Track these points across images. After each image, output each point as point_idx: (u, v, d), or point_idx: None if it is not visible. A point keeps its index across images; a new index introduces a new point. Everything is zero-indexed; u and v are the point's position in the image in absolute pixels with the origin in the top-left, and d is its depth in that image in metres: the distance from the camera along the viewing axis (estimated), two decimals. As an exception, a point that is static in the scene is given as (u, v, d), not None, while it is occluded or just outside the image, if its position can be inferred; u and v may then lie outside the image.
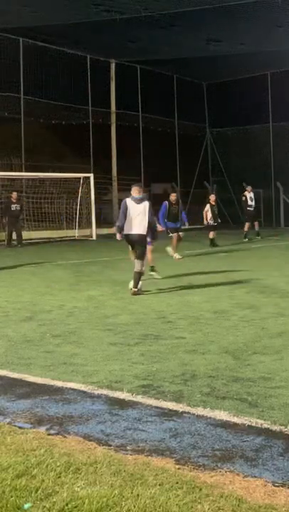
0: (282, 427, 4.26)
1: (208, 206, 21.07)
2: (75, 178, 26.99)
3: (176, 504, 3.17)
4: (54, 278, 13.17)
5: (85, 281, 12.49)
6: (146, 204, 10.85)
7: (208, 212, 20.91)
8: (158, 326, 7.89)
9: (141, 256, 10.82)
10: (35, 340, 7.16)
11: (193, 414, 4.54)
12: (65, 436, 4.15)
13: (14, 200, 22.85)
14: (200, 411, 4.61)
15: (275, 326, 7.70)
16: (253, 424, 4.33)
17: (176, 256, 16.87)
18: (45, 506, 3.18)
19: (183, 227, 17.32)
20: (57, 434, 4.21)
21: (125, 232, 10.78)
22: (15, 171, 26.59)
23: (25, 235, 23.78)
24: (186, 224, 17.44)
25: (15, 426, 4.35)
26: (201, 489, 3.33)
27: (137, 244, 10.84)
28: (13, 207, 22.70)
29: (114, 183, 31.05)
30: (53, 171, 27.16)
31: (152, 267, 12.68)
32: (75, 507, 3.17)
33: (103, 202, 30.98)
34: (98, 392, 5.11)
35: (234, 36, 25.48)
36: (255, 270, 13.98)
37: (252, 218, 24.11)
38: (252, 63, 29.81)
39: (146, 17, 23.06)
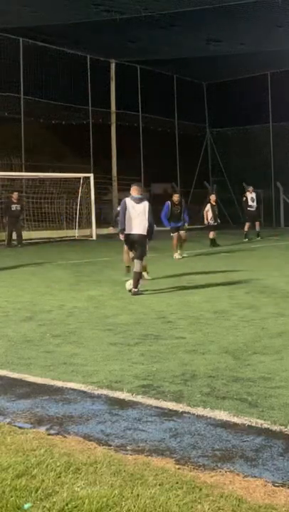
0: (282, 427, 4.26)
1: (208, 206, 21.07)
2: (75, 178, 26.98)
3: (176, 504, 3.18)
4: (54, 278, 13.17)
5: (85, 281, 12.49)
6: (146, 204, 10.84)
7: (208, 212, 20.91)
8: (158, 326, 7.90)
9: (140, 256, 10.81)
10: (35, 340, 7.16)
11: (193, 414, 4.54)
12: (65, 436, 4.16)
13: (15, 201, 22.84)
14: (200, 411, 4.61)
15: (275, 326, 7.70)
16: (253, 424, 4.33)
17: (176, 256, 16.88)
18: (45, 506, 3.18)
19: (182, 227, 17.27)
20: (57, 434, 4.21)
21: (125, 231, 10.77)
22: (15, 171, 26.58)
23: (25, 235, 23.77)
24: (186, 225, 17.41)
25: (15, 426, 4.35)
26: (201, 489, 3.33)
27: (137, 244, 10.83)
28: (14, 207, 22.69)
29: (114, 183, 31.05)
30: (53, 171, 27.15)
31: (128, 267, 12.34)
32: (75, 507, 3.17)
33: (103, 202, 30.98)
34: (98, 392, 5.11)
35: (234, 36, 25.47)
36: (255, 270, 13.98)
37: (252, 218, 24.11)
38: (252, 63, 29.79)
39: (146, 17, 23.05)
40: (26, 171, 27.15)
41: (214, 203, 21.37)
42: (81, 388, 5.24)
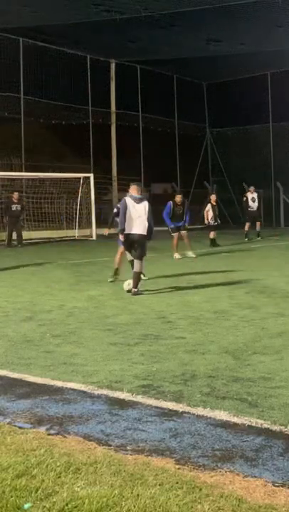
0: (282, 427, 4.26)
1: (209, 206, 21.10)
2: (75, 178, 26.98)
3: (176, 504, 3.18)
4: (54, 278, 13.17)
5: (85, 281, 12.49)
6: (146, 204, 10.82)
7: (209, 212, 20.93)
8: (158, 326, 7.90)
9: (140, 256, 10.79)
10: (35, 340, 7.16)
11: (193, 414, 4.54)
12: (65, 436, 4.16)
13: (15, 201, 22.85)
14: (200, 411, 4.61)
15: (275, 326, 7.70)
16: (253, 424, 4.33)
17: (176, 256, 16.88)
18: (45, 506, 3.18)
19: (182, 228, 17.25)
20: (57, 434, 4.21)
21: (125, 231, 10.74)
22: (15, 171, 26.58)
23: (25, 235, 23.77)
24: (186, 225, 17.40)
25: (15, 426, 4.35)
26: (201, 489, 3.33)
27: (137, 244, 10.81)
28: (14, 207, 22.69)
29: (114, 183, 31.05)
30: (53, 171, 27.16)
31: (116, 269, 12.24)
32: (75, 507, 3.17)
33: (103, 202, 30.98)
34: (98, 392, 5.11)
35: (234, 36, 25.47)
36: (255, 270, 13.98)
37: (253, 218, 24.13)
38: (252, 63, 29.79)
39: (146, 17, 23.05)
40: (26, 171, 27.15)
41: (214, 203, 21.39)
42: (81, 388, 5.23)
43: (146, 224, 10.69)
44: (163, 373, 5.64)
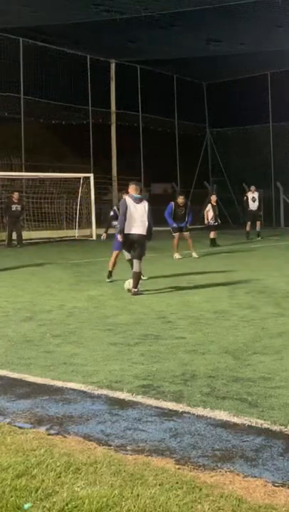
0: (282, 427, 4.26)
1: (209, 206, 21.13)
2: (75, 178, 26.98)
3: (176, 504, 3.18)
4: (54, 278, 13.17)
5: (85, 281, 12.49)
6: (146, 204, 10.81)
7: (209, 212, 20.95)
8: (158, 326, 7.90)
9: (140, 256, 10.78)
10: (35, 340, 7.16)
11: (193, 414, 4.54)
12: (65, 436, 4.16)
13: (15, 201, 22.84)
14: (200, 411, 4.61)
15: (275, 326, 7.70)
16: (253, 424, 4.33)
17: (177, 256, 16.88)
18: (45, 506, 3.18)
19: (184, 228, 17.20)
20: (57, 434, 4.21)
21: (124, 231, 10.71)
22: (15, 171, 26.58)
23: (25, 235, 23.77)
24: (188, 225, 17.38)
25: (15, 426, 4.35)
26: (201, 489, 3.33)
27: (136, 244, 10.79)
28: (14, 207, 22.69)
29: (114, 183, 31.04)
30: (53, 171, 27.15)
31: (110, 272, 12.26)
32: (75, 507, 3.17)
33: (103, 202, 30.97)
34: (98, 392, 5.11)
35: (234, 36, 25.46)
36: (255, 270, 13.98)
37: (253, 218, 24.15)
38: (252, 63, 29.79)
39: (146, 17, 23.04)
40: (26, 171, 27.15)
41: (214, 204, 21.42)
42: (81, 388, 5.23)
43: (147, 224, 10.68)
44: (163, 373, 5.64)
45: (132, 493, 3.30)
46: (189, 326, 7.81)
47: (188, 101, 34.29)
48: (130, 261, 11.09)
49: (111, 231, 12.58)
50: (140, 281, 10.83)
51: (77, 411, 4.67)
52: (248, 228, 23.92)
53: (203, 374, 5.59)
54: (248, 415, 4.50)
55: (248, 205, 24.30)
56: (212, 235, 20.85)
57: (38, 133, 29.20)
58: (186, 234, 17.12)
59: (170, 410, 4.65)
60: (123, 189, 12.52)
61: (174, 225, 16.91)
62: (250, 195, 24.43)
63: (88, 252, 19.87)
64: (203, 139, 36.50)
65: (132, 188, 10.90)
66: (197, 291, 10.84)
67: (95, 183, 26.92)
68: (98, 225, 26.65)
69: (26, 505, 3.19)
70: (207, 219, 20.97)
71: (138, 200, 10.74)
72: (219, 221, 21.50)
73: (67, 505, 3.19)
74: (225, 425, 4.33)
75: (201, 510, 3.13)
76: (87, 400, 4.93)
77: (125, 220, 10.61)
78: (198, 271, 13.96)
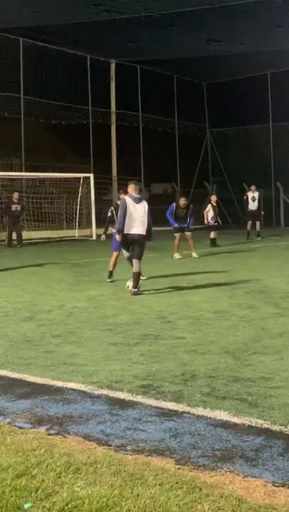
0: (282, 427, 4.26)
1: (209, 206, 21.15)
2: (75, 178, 26.98)
3: (176, 504, 3.18)
4: (54, 278, 13.17)
5: (85, 281, 12.49)
6: (145, 204, 10.80)
7: (209, 212, 20.97)
8: (158, 326, 7.90)
9: (139, 256, 10.77)
10: (35, 340, 7.16)
11: (193, 414, 4.54)
12: (65, 436, 4.16)
13: (15, 201, 22.83)
14: (200, 411, 4.61)
15: (275, 326, 7.70)
16: (253, 424, 4.33)
17: (177, 256, 16.88)
18: (45, 506, 3.18)
19: (186, 229, 17.18)
20: (57, 434, 4.21)
21: (124, 231, 10.69)
22: (15, 171, 26.57)
23: (25, 235, 23.77)
24: (190, 226, 17.38)
25: (15, 426, 4.35)
26: (201, 489, 3.33)
27: (136, 244, 10.78)
28: (14, 207, 22.68)
29: (114, 183, 31.04)
30: (53, 171, 27.15)
31: (111, 272, 12.27)
32: (75, 507, 3.17)
33: (103, 202, 30.98)
34: (98, 392, 5.11)
35: (234, 36, 25.46)
36: (255, 270, 13.98)
37: (253, 218, 24.17)
38: (252, 63, 29.78)
39: (146, 17, 23.03)
40: (26, 171, 27.15)
41: (214, 204, 21.44)
42: (81, 388, 5.23)
43: (146, 224, 10.67)
44: (163, 373, 5.64)
45: (132, 493, 3.30)
46: (189, 326, 7.81)
47: (188, 101, 34.29)
48: (129, 259, 11.08)
49: (110, 231, 12.59)
50: (140, 282, 10.82)
51: (77, 411, 4.67)
52: (249, 228, 23.95)
53: (203, 374, 5.59)
54: (248, 415, 4.50)
55: (247, 204, 24.31)
56: (212, 235, 20.87)
57: (38, 133, 29.19)
58: (188, 234, 17.12)
59: (170, 410, 4.65)
60: (123, 189, 12.51)
61: (176, 225, 16.92)
62: (250, 194, 24.44)
63: (88, 252, 19.87)
64: (203, 139, 36.49)
65: (132, 188, 10.87)
66: (197, 291, 10.84)
67: (95, 183, 26.92)
68: (98, 225, 26.65)
69: (26, 505, 3.19)
70: (207, 219, 20.98)
71: (137, 200, 10.72)
72: (220, 221, 21.52)
73: (67, 505, 3.19)
74: (225, 425, 4.33)
75: (201, 510, 3.13)
76: (87, 400, 4.93)
77: (125, 220, 10.59)
78: (198, 271, 13.96)
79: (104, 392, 5.13)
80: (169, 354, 6.37)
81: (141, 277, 11.91)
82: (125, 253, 11.34)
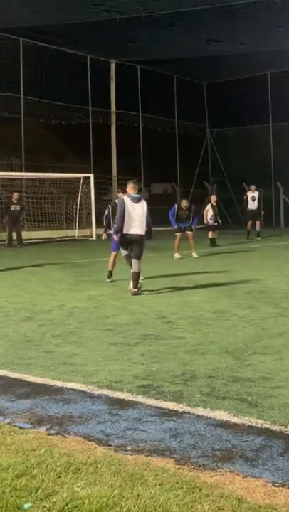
0: (282, 427, 4.26)
1: (208, 206, 21.18)
2: (75, 178, 26.98)
3: (176, 504, 3.18)
4: (54, 278, 13.17)
5: (85, 281, 12.49)
6: (144, 204, 10.76)
7: (208, 212, 20.99)
8: (158, 326, 7.89)
9: (138, 256, 10.75)
10: (35, 340, 7.16)
11: (193, 414, 4.54)
12: (65, 436, 4.16)
13: (15, 201, 22.82)
14: (200, 411, 4.61)
15: (275, 326, 7.70)
16: (253, 424, 4.33)
17: (177, 256, 16.88)
18: (45, 506, 3.18)
19: (188, 228, 17.17)
20: (57, 434, 4.21)
21: (123, 231, 10.66)
22: (15, 171, 26.57)
23: (25, 235, 23.77)
24: (193, 227, 17.39)
25: (15, 426, 4.35)
26: (201, 489, 3.33)
27: (135, 244, 10.75)
28: (13, 207, 22.67)
29: (114, 183, 31.05)
30: (53, 171, 27.15)
31: (110, 271, 12.28)
32: (75, 507, 3.17)
33: (103, 202, 30.97)
34: (98, 392, 5.11)
35: (234, 36, 25.46)
36: (255, 270, 13.98)
37: (253, 217, 24.18)
38: (252, 63, 29.79)
39: (146, 17, 23.03)
40: (26, 171, 27.15)
41: (214, 204, 21.46)
42: (81, 388, 5.23)
43: (145, 224, 10.64)
44: (163, 373, 5.64)
45: (132, 493, 3.30)
46: (189, 326, 7.81)
47: (188, 101, 34.29)
48: (127, 258, 11.05)
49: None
50: (140, 282, 10.82)
51: (77, 411, 4.67)
52: (249, 227, 23.96)
53: (203, 374, 5.59)
54: (248, 415, 4.50)
55: (247, 204, 24.32)
56: (210, 234, 20.91)
57: (38, 133, 29.19)
58: (190, 234, 17.14)
59: (170, 410, 4.65)
60: (122, 188, 12.51)
61: (176, 226, 16.94)
62: (249, 194, 24.45)
63: (88, 252, 19.87)
64: (203, 139, 36.49)
65: (131, 187, 10.84)
66: (197, 291, 10.84)
67: (95, 183, 26.93)
68: (98, 225, 26.64)
69: (26, 505, 3.19)
70: (206, 218, 21.01)
71: (136, 200, 10.67)
72: (219, 221, 21.53)
73: (67, 505, 3.19)
74: (225, 425, 4.33)
75: (201, 510, 3.13)
76: (87, 400, 4.93)
77: (123, 220, 10.55)
78: (198, 271, 13.96)
79: (104, 392, 5.13)
80: (169, 354, 6.37)
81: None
82: (123, 252, 11.32)
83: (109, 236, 12.73)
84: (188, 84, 34.74)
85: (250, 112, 32.61)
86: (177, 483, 3.41)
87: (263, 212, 24.81)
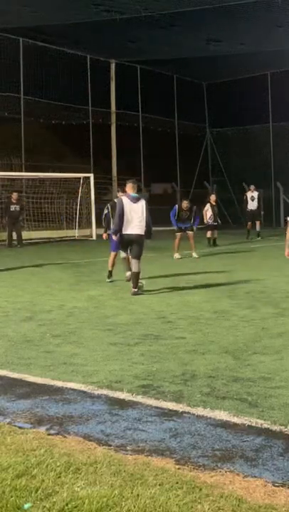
0: (282, 427, 4.26)
1: (208, 206, 21.20)
2: (75, 178, 26.98)
3: (176, 504, 3.18)
4: (54, 278, 13.17)
5: (85, 281, 12.49)
6: (143, 203, 10.72)
7: (207, 212, 21.00)
8: (158, 326, 7.90)
9: (138, 256, 10.73)
10: (35, 340, 7.16)
11: (193, 414, 4.54)
12: (65, 436, 4.16)
13: (14, 201, 22.82)
14: (200, 411, 4.61)
15: (275, 326, 7.70)
16: (253, 424, 4.33)
17: (176, 256, 16.88)
18: (45, 506, 3.18)
19: (189, 228, 17.17)
20: (57, 434, 4.21)
21: (122, 231, 10.63)
22: (15, 171, 26.57)
23: (25, 235, 23.77)
24: (194, 228, 17.40)
25: (15, 426, 4.35)
26: (201, 489, 3.33)
27: (134, 244, 10.72)
28: (13, 207, 22.67)
29: (114, 183, 31.03)
30: (53, 171, 27.15)
31: (110, 271, 12.27)
32: (75, 507, 3.17)
33: (103, 202, 30.93)
34: (98, 392, 5.11)
35: (234, 36, 25.46)
36: (255, 270, 13.98)
37: (252, 217, 24.18)
38: (252, 63, 29.79)
39: (146, 17, 23.03)
40: (26, 171, 27.15)
41: (214, 203, 21.46)
42: (81, 388, 5.23)
43: (144, 224, 10.60)
44: (163, 373, 5.64)
45: (132, 493, 3.30)
46: (189, 326, 7.81)
47: (188, 101, 34.29)
48: (125, 260, 11.06)
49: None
50: (140, 282, 10.81)
51: (77, 411, 4.67)
52: (249, 227, 23.96)
53: (203, 374, 5.59)
54: (248, 415, 4.50)
55: (247, 204, 24.32)
56: (209, 234, 20.94)
57: (38, 133, 29.19)
58: (190, 233, 17.14)
59: (170, 410, 4.65)
60: (121, 188, 12.50)
61: (176, 226, 16.95)
62: (249, 194, 24.46)
63: (88, 252, 19.87)
64: (203, 139, 36.49)
65: (130, 187, 10.82)
66: (197, 291, 10.84)
67: (95, 183, 26.93)
68: (98, 225, 26.63)
69: (26, 505, 3.19)
70: (206, 218, 21.02)
71: (135, 200, 10.64)
72: (219, 221, 21.53)
73: (67, 505, 3.19)
74: (225, 425, 4.33)
75: (201, 510, 3.13)
76: (87, 400, 4.93)
77: (121, 220, 10.53)
78: (198, 271, 13.96)
79: (104, 392, 5.13)
80: (169, 354, 6.37)
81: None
82: (122, 254, 11.31)
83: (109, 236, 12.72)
84: (188, 84, 34.74)
85: (250, 111, 32.61)
86: (177, 483, 3.41)
87: (262, 213, 24.81)
